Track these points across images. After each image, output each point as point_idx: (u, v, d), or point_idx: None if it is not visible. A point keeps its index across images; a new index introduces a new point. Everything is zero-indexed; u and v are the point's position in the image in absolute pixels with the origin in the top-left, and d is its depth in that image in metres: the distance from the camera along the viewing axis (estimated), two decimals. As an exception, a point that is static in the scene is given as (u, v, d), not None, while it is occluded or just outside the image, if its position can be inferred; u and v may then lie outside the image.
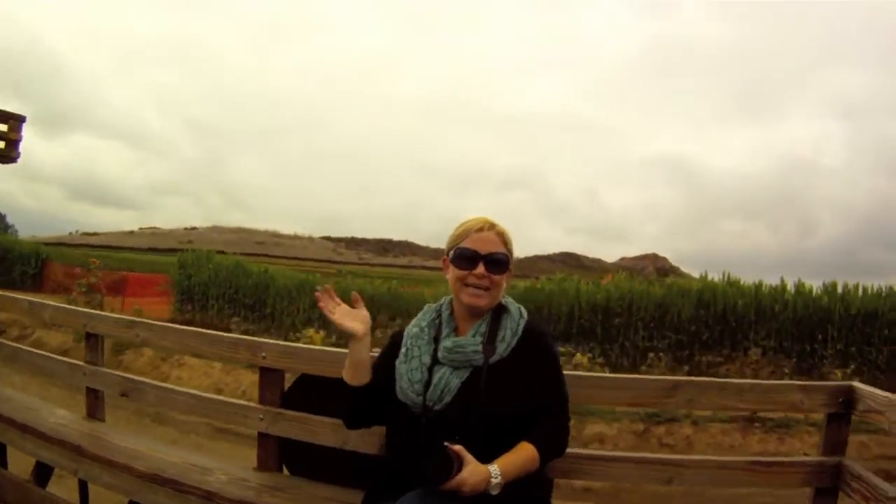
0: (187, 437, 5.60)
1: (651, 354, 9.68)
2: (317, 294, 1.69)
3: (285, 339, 9.32)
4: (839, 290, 10.01)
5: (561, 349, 9.03)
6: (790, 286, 10.29)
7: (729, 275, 10.72)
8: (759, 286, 10.34)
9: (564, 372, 1.75)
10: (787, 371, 9.10)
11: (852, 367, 8.80)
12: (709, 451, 5.80)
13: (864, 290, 10.00)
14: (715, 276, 11.39)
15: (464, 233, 1.69)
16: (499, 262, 1.66)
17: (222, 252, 18.80)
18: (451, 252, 1.70)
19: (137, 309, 12.35)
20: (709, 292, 10.27)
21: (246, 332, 10.34)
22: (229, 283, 13.59)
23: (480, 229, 1.68)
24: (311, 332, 9.68)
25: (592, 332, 10.47)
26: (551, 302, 10.69)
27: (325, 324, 9.18)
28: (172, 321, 11.08)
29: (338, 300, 1.70)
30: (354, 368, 1.71)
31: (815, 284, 10.31)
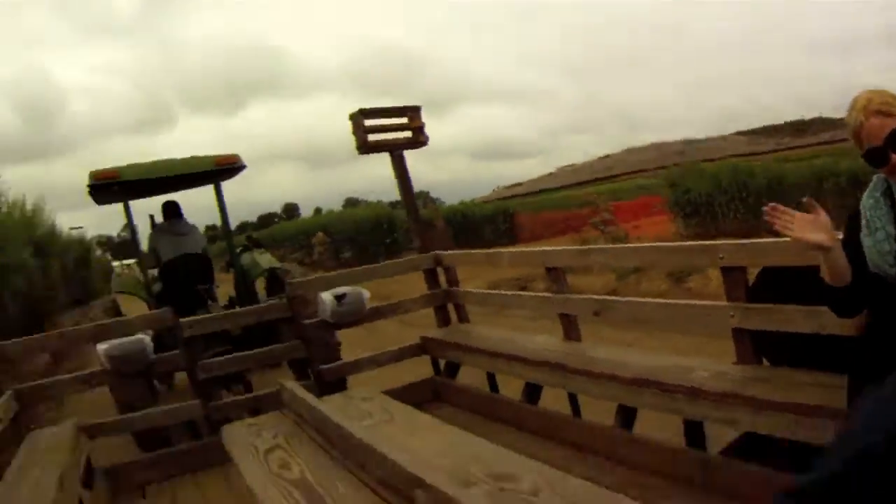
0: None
1: None
2: (766, 211, 1.59)
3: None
4: None
5: None
6: None
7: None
8: None
9: None
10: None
11: None
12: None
13: None
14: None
15: (855, 129, 1.55)
16: None
17: (643, 171, 18.20)
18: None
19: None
20: None
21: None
22: (736, 188, 12.51)
23: (861, 124, 1.53)
24: None
25: None
26: None
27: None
28: (680, 238, 11.52)
29: (790, 212, 1.58)
30: (834, 275, 1.61)
31: None
